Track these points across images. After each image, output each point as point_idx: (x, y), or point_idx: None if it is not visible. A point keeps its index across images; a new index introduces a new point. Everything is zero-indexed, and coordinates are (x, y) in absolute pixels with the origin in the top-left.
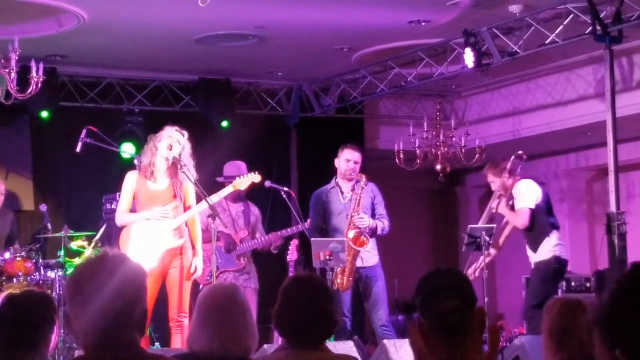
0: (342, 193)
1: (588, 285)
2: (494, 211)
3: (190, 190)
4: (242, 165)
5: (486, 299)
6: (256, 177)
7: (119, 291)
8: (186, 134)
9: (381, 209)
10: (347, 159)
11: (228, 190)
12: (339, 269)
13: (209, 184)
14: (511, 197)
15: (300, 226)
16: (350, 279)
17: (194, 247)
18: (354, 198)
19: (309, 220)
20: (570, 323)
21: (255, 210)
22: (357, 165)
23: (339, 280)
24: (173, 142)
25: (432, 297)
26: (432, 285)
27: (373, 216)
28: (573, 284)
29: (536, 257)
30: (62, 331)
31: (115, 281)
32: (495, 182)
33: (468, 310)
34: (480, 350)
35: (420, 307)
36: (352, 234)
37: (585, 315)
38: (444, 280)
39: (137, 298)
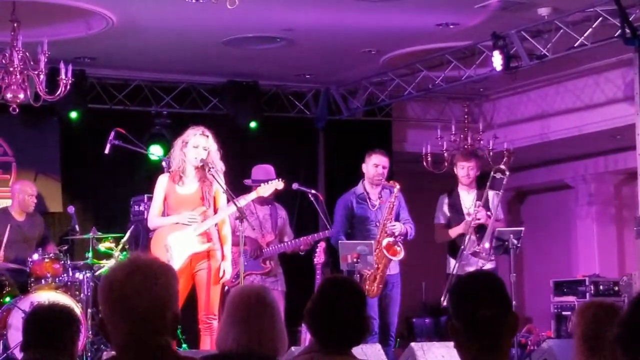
0: (370, 199)
1: (616, 288)
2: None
3: (219, 192)
4: (271, 169)
5: (514, 303)
6: (279, 184)
7: (152, 294)
8: (210, 135)
9: (405, 214)
10: (375, 164)
11: (252, 195)
12: (369, 275)
13: (236, 186)
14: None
15: (327, 232)
16: (380, 286)
17: (222, 249)
18: (386, 205)
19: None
20: (604, 327)
21: (282, 213)
22: (385, 170)
23: (367, 287)
24: (199, 150)
25: (468, 300)
26: (468, 287)
27: (397, 220)
28: (601, 287)
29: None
30: (90, 332)
31: (147, 284)
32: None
33: (503, 315)
34: (508, 354)
35: (454, 308)
36: (385, 241)
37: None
38: (481, 284)
39: (169, 301)
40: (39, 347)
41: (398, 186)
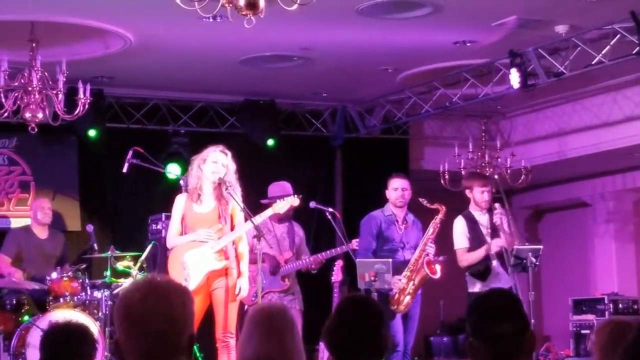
0: (398, 222)
1: (635, 307)
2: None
3: (237, 209)
4: (287, 185)
5: (532, 321)
6: (295, 201)
7: (167, 316)
8: (229, 153)
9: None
10: (394, 188)
11: (268, 212)
12: (401, 289)
13: (253, 204)
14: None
15: (344, 247)
16: (410, 301)
17: (238, 266)
18: (432, 227)
19: (353, 241)
20: (621, 344)
21: (299, 231)
22: (405, 191)
23: (397, 298)
24: (218, 167)
25: (487, 318)
26: (487, 305)
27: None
28: (620, 305)
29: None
30: (107, 351)
31: (163, 306)
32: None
33: (521, 334)
34: None
35: (473, 326)
36: (425, 258)
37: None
38: (500, 302)
39: (185, 323)
40: None
41: (444, 209)
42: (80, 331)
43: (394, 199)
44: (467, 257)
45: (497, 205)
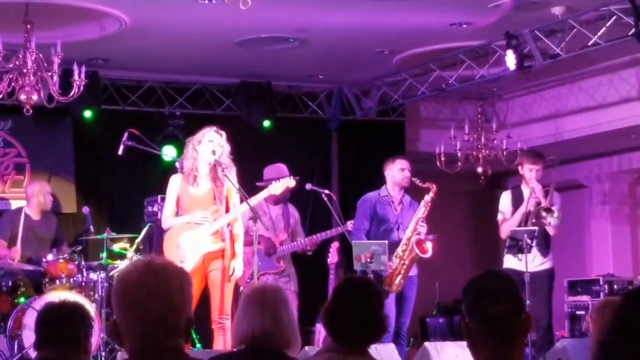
0: (394, 203)
1: (630, 288)
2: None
3: (232, 191)
4: (283, 167)
5: (527, 302)
6: (291, 182)
7: (166, 298)
8: (224, 133)
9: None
10: (402, 168)
11: (264, 194)
12: (393, 270)
13: (249, 187)
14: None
15: (340, 228)
16: (402, 281)
17: (233, 247)
18: (421, 205)
19: (348, 223)
20: None
21: (294, 213)
22: (410, 173)
23: (389, 281)
24: (214, 145)
25: (483, 299)
26: (483, 286)
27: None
28: (615, 286)
29: (548, 262)
30: (104, 333)
31: (161, 288)
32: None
33: (517, 315)
34: (522, 355)
35: (468, 307)
36: (416, 238)
37: None
38: (496, 283)
39: (183, 305)
40: (52, 345)
41: (435, 188)
42: (75, 310)
43: (400, 179)
44: (505, 226)
45: (537, 187)
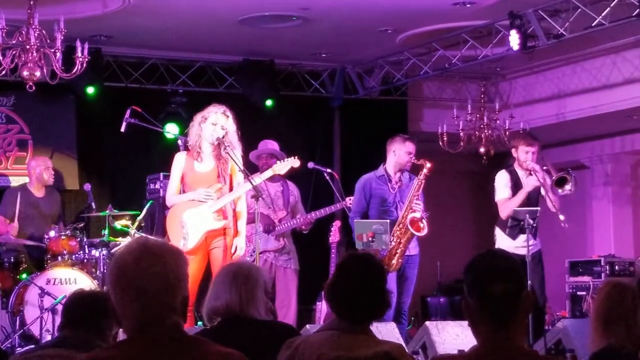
0: (390, 182)
1: (632, 269)
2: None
3: (236, 169)
4: (272, 142)
5: (529, 282)
6: (295, 162)
7: (161, 276)
8: (230, 115)
9: (421, 201)
10: (409, 152)
11: (268, 173)
12: (390, 250)
13: (251, 165)
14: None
15: (338, 205)
16: (400, 260)
17: (236, 225)
18: (415, 182)
19: (347, 199)
20: (618, 306)
21: (294, 190)
22: (414, 156)
23: (387, 261)
24: (216, 128)
25: (484, 278)
26: (484, 265)
27: None
28: (617, 268)
29: (537, 244)
30: None
31: (157, 267)
32: (535, 155)
33: (518, 294)
34: (524, 334)
35: (469, 286)
36: (410, 217)
37: (634, 298)
38: (498, 262)
39: (179, 284)
40: (78, 327)
41: (429, 165)
42: (106, 301)
43: (404, 162)
44: (507, 206)
45: (536, 167)
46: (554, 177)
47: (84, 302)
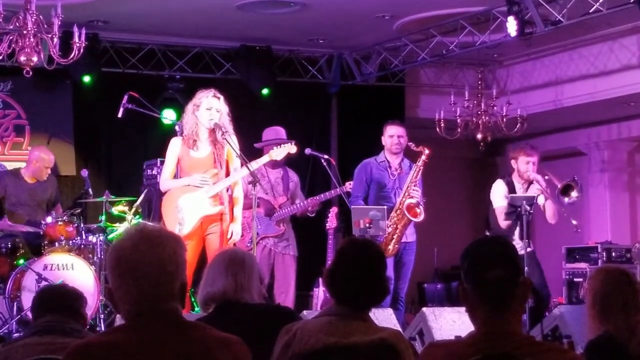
0: (390, 168)
1: (628, 255)
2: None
3: (232, 155)
4: (281, 130)
5: (526, 269)
6: (292, 148)
7: (159, 262)
8: (221, 97)
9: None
10: (390, 135)
11: (265, 159)
12: (387, 235)
13: (248, 150)
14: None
15: (338, 190)
16: (397, 246)
17: (232, 210)
18: (413, 168)
19: (347, 184)
20: (613, 293)
21: (293, 177)
22: (401, 138)
23: (384, 246)
24: (212, 112)
25: (480, 264)
26: (481, 251)
27: None
28: (613, 254)
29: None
30: (102, 296)
31: (155, 253)
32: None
33: (514, 281)
34: (520, 321)
35: (466, 272)
36: (407, 202)
37: (630, 285)
38: (494, 248)
39: (177, 270)
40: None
41: (427, 151)
42: (74, 289)
43: (389, 145)
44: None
45: (538, 177)
46: (559, 186)
47: (57, 291)
